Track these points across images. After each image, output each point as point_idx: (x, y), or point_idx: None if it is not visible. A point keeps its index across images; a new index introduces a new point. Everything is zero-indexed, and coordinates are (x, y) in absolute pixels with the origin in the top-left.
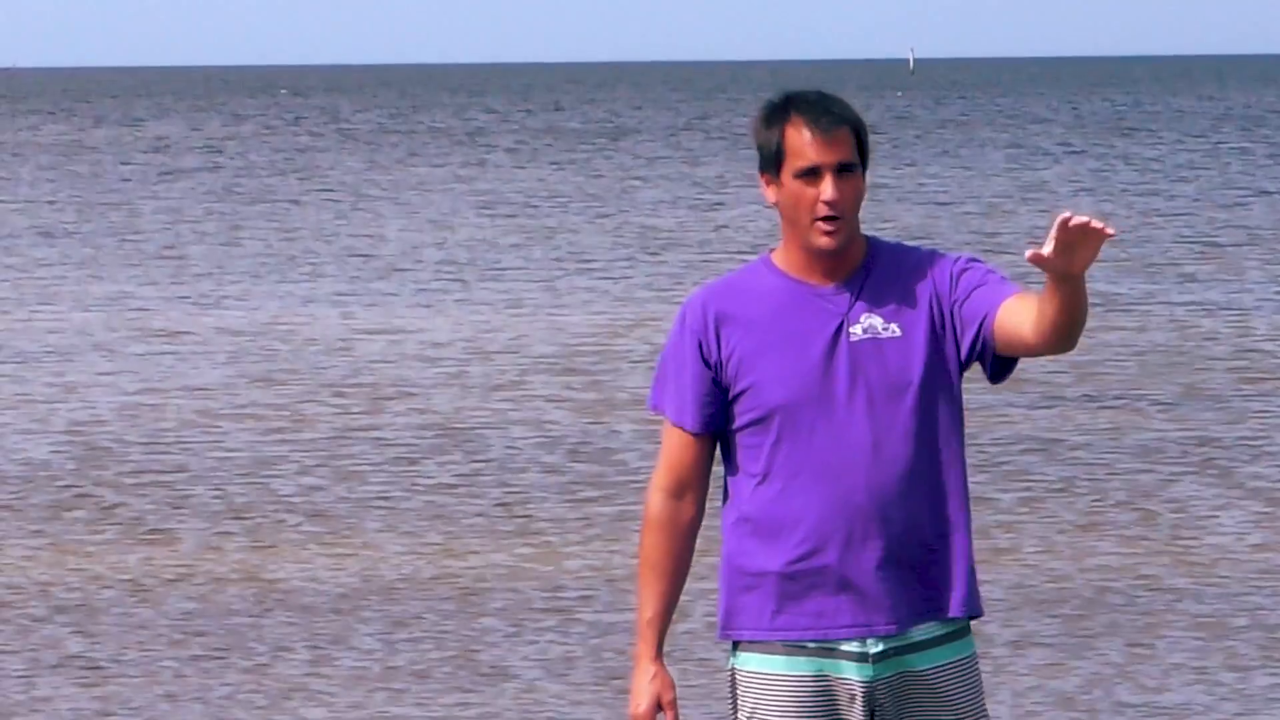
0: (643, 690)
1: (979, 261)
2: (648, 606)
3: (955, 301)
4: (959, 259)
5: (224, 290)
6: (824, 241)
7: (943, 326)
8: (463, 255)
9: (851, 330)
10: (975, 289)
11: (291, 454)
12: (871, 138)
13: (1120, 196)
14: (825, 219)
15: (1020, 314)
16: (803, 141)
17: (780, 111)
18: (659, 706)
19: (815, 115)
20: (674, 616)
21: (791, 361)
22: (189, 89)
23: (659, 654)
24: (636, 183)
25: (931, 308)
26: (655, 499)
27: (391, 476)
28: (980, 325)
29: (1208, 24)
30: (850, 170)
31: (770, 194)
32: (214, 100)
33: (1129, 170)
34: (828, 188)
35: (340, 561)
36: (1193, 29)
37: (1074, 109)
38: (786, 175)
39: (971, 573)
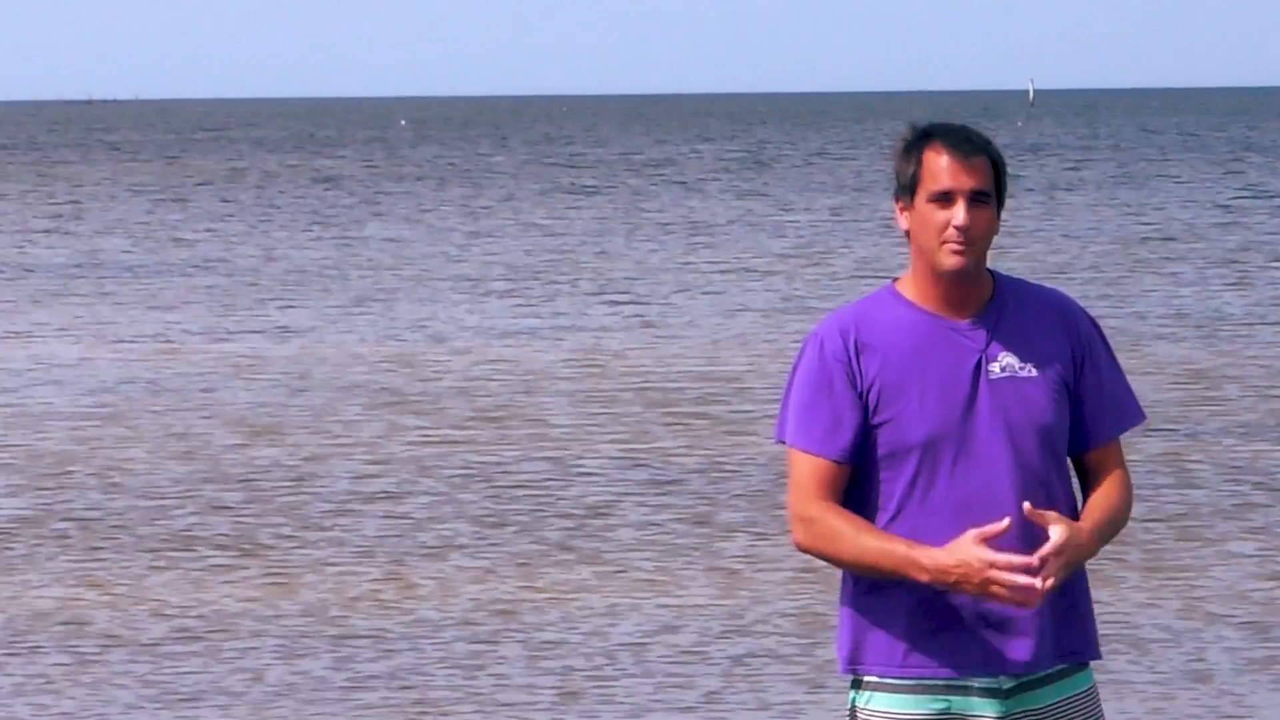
0: (948, 552)
1: (1102, 333)
2: (890, 543)
3: (1080, 383)
4: (1088, 321)
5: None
6: (952, 261)
7: (1070, 383)
8: None
9: (990, 368)
10: (1099, 394)
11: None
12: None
13: None
14: (954, 241)
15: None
16: (939, 166)
17: (921, 138)
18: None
19: (955, 141)
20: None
21: (933, 397)
22: (305, 121)
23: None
24: None
25: (1063, 360)
26: (810, 510)
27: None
28: (1072, 441)
29: None
30: (984, 199)
31: (903, 220)
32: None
33: None
34: (959, 212)
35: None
36: None
37: None
38: (920, 199)
39: (1093, 614)
